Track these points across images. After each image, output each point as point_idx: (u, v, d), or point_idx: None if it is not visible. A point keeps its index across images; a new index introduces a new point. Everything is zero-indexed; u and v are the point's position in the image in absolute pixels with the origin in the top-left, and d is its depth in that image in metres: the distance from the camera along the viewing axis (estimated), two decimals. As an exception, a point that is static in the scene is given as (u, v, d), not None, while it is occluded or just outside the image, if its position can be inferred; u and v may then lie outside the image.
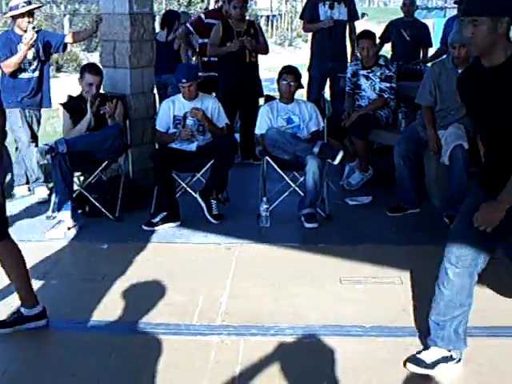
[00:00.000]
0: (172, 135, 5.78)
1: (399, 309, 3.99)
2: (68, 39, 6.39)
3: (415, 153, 5.76)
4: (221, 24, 7.22)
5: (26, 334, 3.73)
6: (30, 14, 6.05)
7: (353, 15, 7.93)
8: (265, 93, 7.48)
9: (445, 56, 6.43)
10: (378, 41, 8.44)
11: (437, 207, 5.78)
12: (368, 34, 6.54)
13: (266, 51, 7.47)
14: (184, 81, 5.74)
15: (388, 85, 6.44)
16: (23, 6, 5.98)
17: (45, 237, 5.22)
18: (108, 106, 5.62)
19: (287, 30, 24.36)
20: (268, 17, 24.15)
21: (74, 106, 5.74)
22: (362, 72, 6.55)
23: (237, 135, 7.53)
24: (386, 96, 6.44)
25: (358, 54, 6.65)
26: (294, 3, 26.36)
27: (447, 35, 6.48)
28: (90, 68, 5.82)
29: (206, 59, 7.61)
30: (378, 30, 9.02)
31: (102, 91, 5.88)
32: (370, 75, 6.49)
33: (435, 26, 11.93)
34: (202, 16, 8.08)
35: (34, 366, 3.47)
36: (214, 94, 7.17)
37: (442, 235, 5.17)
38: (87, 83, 5.66)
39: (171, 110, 5.83)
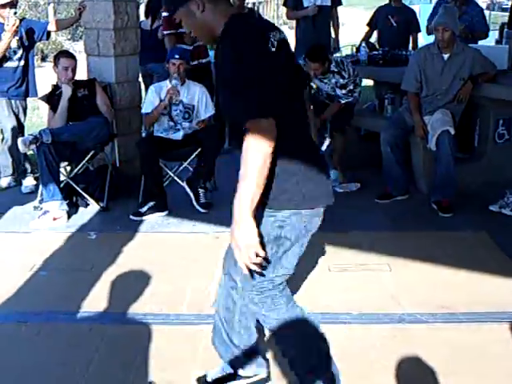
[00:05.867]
0: (157, 107, 5.71)
1: (387, 296, 4.00)
2: (51, 27, 6.34)
3: (402, 139, 5.77)
4: None
5: (15, 325, 3.74)
6: (13, 4, 5.99)
7: (336, 0, 7.88)
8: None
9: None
10: (366, 28, 8.47)
11: (424, 193, 5.80)
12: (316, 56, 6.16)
13: None
14: (177, 56, 5.72)
15: (344, 91, 6.21)
16: None
17: (29, 227, 5.20)
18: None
19: (273, 17, 24.23)
20: (254, 4, 24.00)
21: (52, 97, 5.72)
22: (315, 79, 6.33)
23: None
24: (342, 102, 6.24)
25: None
26: (279, -10, 26.25)
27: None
28: (64, 53, 5.93)
29: (192, 47, 7.48)
30: (366, 17, 9.01)
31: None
32: (325, 81, 6.28)
33: (421, 12, 11.88)
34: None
35: (24, 357, 3.45)
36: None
37: (430, 221, 5.28)
38: (63, 67, 5.63)
39: (158, 94, 5.78)
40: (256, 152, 2.36)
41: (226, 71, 2.46)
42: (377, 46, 7.86)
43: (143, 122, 6.15)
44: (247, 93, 2.38)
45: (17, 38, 5.99)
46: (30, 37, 6.16)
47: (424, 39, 9.06)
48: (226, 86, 2.50)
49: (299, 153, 2.57)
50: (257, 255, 2.45)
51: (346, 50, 8.27)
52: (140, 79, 6.64)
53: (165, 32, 7.22)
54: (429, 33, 7.36)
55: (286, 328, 2.75)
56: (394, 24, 8.16)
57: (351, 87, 6.24)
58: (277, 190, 2.52)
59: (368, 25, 8.49)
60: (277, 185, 2.51)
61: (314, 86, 6.81)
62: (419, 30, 8.50)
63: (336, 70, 6.17)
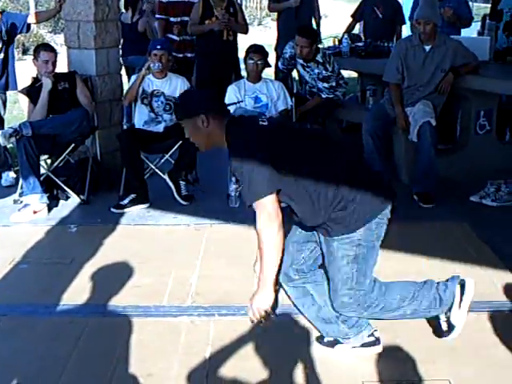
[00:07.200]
0: (135, 80, 5.76)
1: (369, 286, 4.00)
2: (31, 19, 6.29)
3: (384, 130, 5.78)
4: (201, 2, 7.08)
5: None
6: None
7: None
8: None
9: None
10: (349, 20, 8.43)
11: (406, 184, 5.81)
12: (306, 33, 6.24)
13: (245, 31, 7.30)
14: (158, 47, 5.70)
15: (326, 85, 6.24)
16: None
17: (9, 220, 5.17)
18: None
19: (256, 8, 24.18)
20: (237, -4, 23.95)
21: (32, 90, 5.66)
22: (299, 61, 6.34)
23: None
24: (324, 96, 6.28)
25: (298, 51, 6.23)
26: (262, -19, 26.16)
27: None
28: (44, 46, 5.85)
29: (178, 39, 7.44)
30: (350, 9, 8.97)
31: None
32: (307, 69, 6.30)
33: (404, 2, 11.89)
34: None
35: (4, 350, 3.44)
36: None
37: (411, 212, 5.28)
38: (43, 60, 5.56)
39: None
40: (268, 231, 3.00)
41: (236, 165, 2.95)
42: (362, 38, 7.86)
43: (123, 111, 6.14)
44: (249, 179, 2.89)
45: (-3, 32, 5.95)
46: (9, 30, 6.10)
47: (407, 31, 9.05)
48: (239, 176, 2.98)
49: (345, 184, 2.97)
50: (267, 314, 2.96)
51: (328, 42, 8.27)
52: (123, 72, 6.60)
53: (157, 16, 7.26)
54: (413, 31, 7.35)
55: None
56: (380, 15, 8.14)
57: (333, 84, 6.24)
58: (343, 220, 2.98)
59: (352, 16, 8.45)
60: (343, 217, 2.97)
61: (297, 76, 6.83)
62: (404, 22, 8.49)
63: (321, 60, 6.18)
